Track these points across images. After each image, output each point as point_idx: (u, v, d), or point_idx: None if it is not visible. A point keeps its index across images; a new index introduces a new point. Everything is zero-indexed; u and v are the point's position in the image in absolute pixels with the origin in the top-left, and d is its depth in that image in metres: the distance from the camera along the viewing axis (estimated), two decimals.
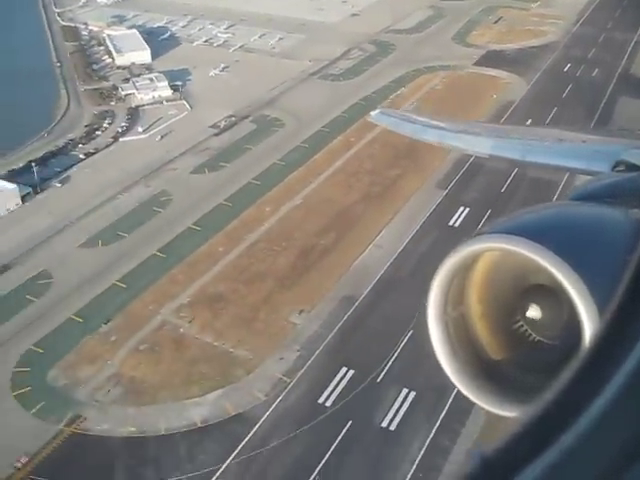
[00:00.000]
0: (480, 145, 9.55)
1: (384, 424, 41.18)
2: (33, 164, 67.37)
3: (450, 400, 39.43)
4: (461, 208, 62.53)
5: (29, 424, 42.05)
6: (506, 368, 4.55)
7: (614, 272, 2.52)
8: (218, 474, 38.46)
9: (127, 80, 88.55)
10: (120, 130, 77.07)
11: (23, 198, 64.40)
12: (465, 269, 4.42)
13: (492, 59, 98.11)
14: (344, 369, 44.77)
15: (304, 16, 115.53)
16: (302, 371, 44.90)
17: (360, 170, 69.40)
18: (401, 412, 41.87)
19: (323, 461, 38.69)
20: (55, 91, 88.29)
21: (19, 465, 39.44)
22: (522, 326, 4.54)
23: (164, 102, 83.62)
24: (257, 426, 41.08)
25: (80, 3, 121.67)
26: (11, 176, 67.23)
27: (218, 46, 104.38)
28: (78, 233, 59.57)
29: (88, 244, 58.22)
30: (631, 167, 6.02)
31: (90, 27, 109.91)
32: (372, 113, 12.80)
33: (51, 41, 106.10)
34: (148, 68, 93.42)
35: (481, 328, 4.63)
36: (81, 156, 72.03)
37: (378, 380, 43.96)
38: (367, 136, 73.39)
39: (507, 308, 4.57)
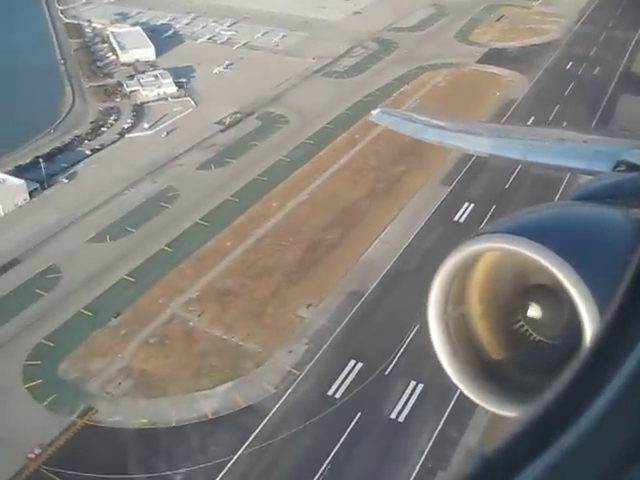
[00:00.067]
0: (481, 145, 9.51)
1: (393, 416, 41.72)
2: (40, 160, 67.74)
3: (458, 392, 39.81)
4: (466, 204, 63.05)
5: (41, 416, 42.53)
6: (507, 368, 4.54)
7: (615, 272, 2.52)
8: (229, 465, 38.97)
9: (132, 77, 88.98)
10: (126, 126, 77.52)
11: (30, 193, 64.87)
12: (466, 269, 4.41)
13: (494, 57, 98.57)
14: (352, 362, 45.29)
15: (307, 14, 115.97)
16: (311, 364, 45.41)
17: (365, 167, 69.87)
18: (409, 404, 42.42)
19: (333, 452, 39.23)
20: (60, 88, 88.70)
21: (32, 456, 39.86)
22: (523, 326, 4.53)
23: (169, 99, 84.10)
24: (267, 418, 41.58)
25: (83, 0, 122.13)
26: (18, 172, 67.65)
27: (222, 44, 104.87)
28: (86, 228, 60.03)
29: (96, 239, 58.69)
30: (632, 167, 6.00)
31: (93, 24, 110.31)
32: (373, 112, 12.80)
33: (55, 38, 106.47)
34: (152, 65, 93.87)
35: (482, 328, 4.61)
36: (87, 152, 72.48)
37: (386, 373, 44.49)
38: (371, 133, 73.80)
39: (508, 308, 4.56)
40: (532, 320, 4.45)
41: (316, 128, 76.99)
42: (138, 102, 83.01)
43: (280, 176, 67.39)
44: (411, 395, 42.93)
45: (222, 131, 76.81)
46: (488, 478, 1.65)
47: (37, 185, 65.71)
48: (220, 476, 38.42)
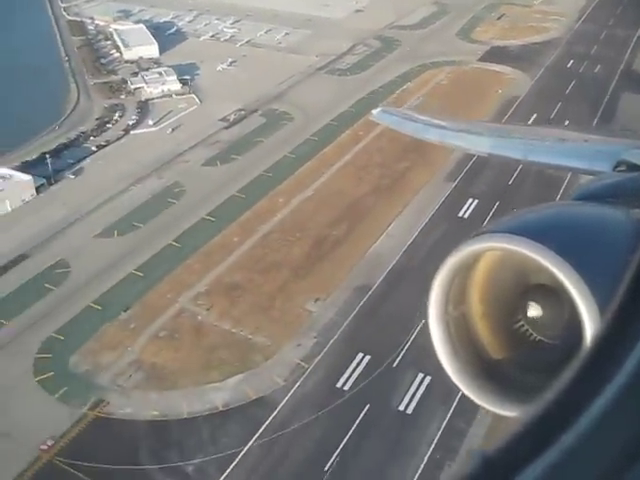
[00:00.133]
0: (482, 144, 9.47)
1: (401, 407, 42.26)
2: (47, 156, 68.14)
3: None
4: (470, 200, 63.59)
5: (53, 408, 42.92)
6: (507, 368, 4.53)
7: (615, 272, 2.53)
8: (241, 456, 39.47)
9: (136, 74, 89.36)
10: (131, 123, 77.91)
11: (37, 189, 65.23)
12: (466, 268, 4.41)
13: (496, 55, 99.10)
14: (360, 355, 45.81)
15: (309, 12, 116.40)
16: (319, 357, 45.91)
17: (369, 163, 70.37)
18: (417, 396, 42.96)
19: (343, 443, 39.75)
20: (64, 85, 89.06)
21: (45, 447, 40.24)
22: (523, 326, 4.53)
23: (173, 96, 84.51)
24: (277, 410, 42.06)
25: None
26: (24, 168, 67.99)
27: (225, 41, 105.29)
28: (93, 223, 60.45)
29: (104, 234, 59.11)
30: (632, 167, 6.02)
31: (96, 22, 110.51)
32: (374, 111, 12.66)
33: (58, 35, 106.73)
34: (156, 62, 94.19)
35: (482, 328, 4.62)
36: (93, 148, 72.88)
37: (394, 365, 45.03)
38: (375, 130, 74.13)
39: (508, 308, 4.55)
40: (532, 320, 4.44)
41: (320, 125, 77.47)
42: (143, 99, 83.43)
43: (285, 172, 67.87)
44: (419, 387, 43.45)
45: (227, 128, 77.25)
46: (488, 478, 1.65)
47: (44, 181, 66.11)
48: (231, 467, 38.91)
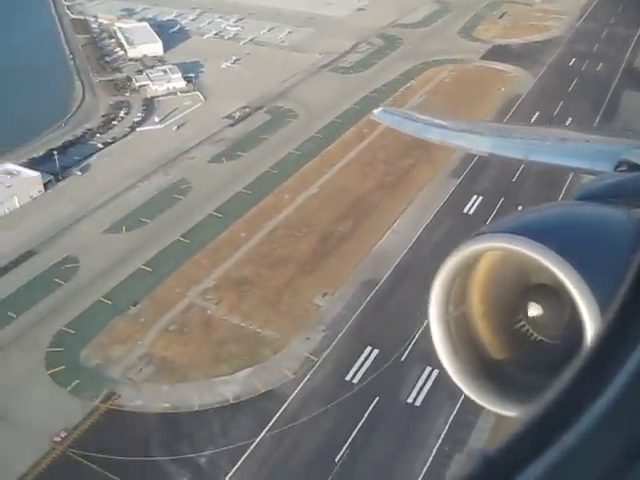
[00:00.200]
0: (483, 144, 9.48)
1: (409, 400, 42.83)
2: (54, 152, 68.58)
3: None
4: (474, 196, 64.15)
5: (65, 401, 43.39)
6: (508, 368, 4.52)
7: (616, 272, 2.52)
8: (252, 447, 39.98)
9: (141, 72, 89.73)
10: (136, 120, 78.34)
11: (45, 186, 65.65)
12: (467, 268, 4.40)
13: (498, 53, 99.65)
14: (369, 348, 46.35)
15: (312, 10, 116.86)
16: (328, 350, 46.44)
17: (374, 160, 70.87)
18: (425, 389, 43.48)
19: (353, 435, 40.28)
20: (70, 82, 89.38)
21: (58, 439, 40.73)
22: (524, 326, 4.52)
23: (178, 93, 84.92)
24: (287, 402, 42.58)
25: None
26: (32, 164, 68.37)
27: (228, 39, 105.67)
28: (101, 219, 60.92)
29: (112, 230, 59.58)
30: (634, 167, 6.02)
31: (100, 20, 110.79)
32: (375, 111, 12.66)
33: (62, 34, 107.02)
34: (160, 60, 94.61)
35: (483, 327, 4.62)
36: (99, 145, 73.31)
37: (402, 359, 45.58)
38: (379, 127, 74.27)
39: (509, 307, 4.55)
40: (533, 320, 4.44)
41: (324, 122, 77.97)
42: (148, 96, 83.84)
43: (291, 169, 68.37)
44: (427, 380, 43.94)
45: (232, 125, 77.72)
46: (489, 478, 1.65)
47: (51, 177, 66.54)
48: (243, 458, 39.43)
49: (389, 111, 14.75)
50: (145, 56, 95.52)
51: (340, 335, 47.66)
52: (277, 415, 41.73)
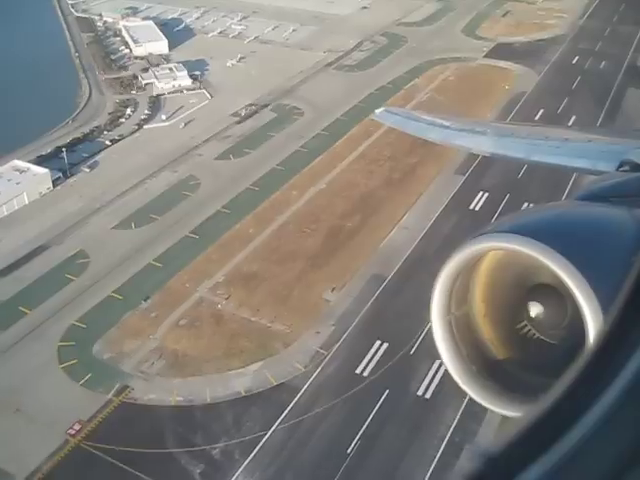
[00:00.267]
0: (485, 144, 9.52)
1: (420, 393, 43.27)
2: (63, 149, 69.01)
3: None
4: (480, 193, 64.57)
5: (78, 394, 43.75)
6: (509, 367, 4.52)
7: (618, 272, 2.52)
8: (264, 439, 40.43)
9: (146, 70, 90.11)
10: (143, 118, 78.73)
11: (54, 182, 66.03)
12: (469, 268, 4.41)
13: (502, 51, 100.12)
14: (378, 342, 46.78)
15: (315, 8, 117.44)
16: (338, 344, 46.86)
17: (380, 157, 71.29)
18: (435, 382, 43.84)
19: (364, 427, 40.73)
20: (76, 80, 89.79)
21: (72, 432, 41.13)
22: (526, 325, 4.51)
23: (184, 91, 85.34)
24: (299, 395, 42.99)
25: None
26: (40, 161, 68.73)
27: (233, 37, 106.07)
28: (111, 215, 61.35)
29: (121, 226, 59.98)
30: (636, 167, 6.01)
31: (105, 18, 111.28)
32: (376, 111, 12.74)
33: (67, 32, 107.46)
34: (166, 58, 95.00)
35: (485, 327, 4.63)
36: (107, 142, 73.67)
37: (411, 353, 45.97)
38: (385, 124, 75.04)
39: (511, 307, 4.54)
40: (535, 320, 4.44)
41: (330, 120, 78.41)
42: (154, 94, 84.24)
43: (298, 166, 68.79)
44: (436, 374, 44.29)
45: (238, 122, 78.14)
46: (491, 477, 1.66)
47: (60, 174, 66.93)
48: (256, 450, 39.88)
49: (391, 111, 14.74)
50: (150, 54, 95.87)
51: (350, 329, 48.10)
52: (289, 407, 42.16)
